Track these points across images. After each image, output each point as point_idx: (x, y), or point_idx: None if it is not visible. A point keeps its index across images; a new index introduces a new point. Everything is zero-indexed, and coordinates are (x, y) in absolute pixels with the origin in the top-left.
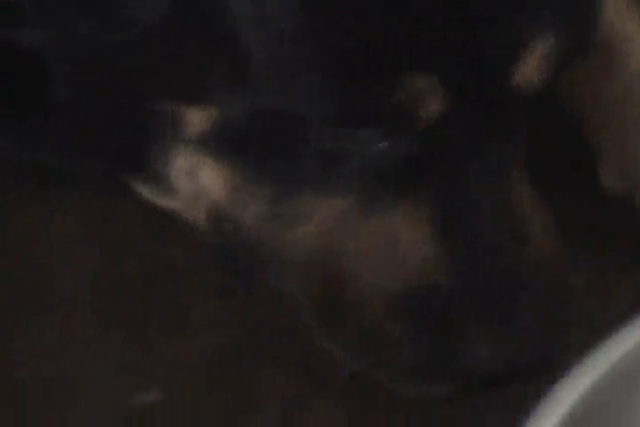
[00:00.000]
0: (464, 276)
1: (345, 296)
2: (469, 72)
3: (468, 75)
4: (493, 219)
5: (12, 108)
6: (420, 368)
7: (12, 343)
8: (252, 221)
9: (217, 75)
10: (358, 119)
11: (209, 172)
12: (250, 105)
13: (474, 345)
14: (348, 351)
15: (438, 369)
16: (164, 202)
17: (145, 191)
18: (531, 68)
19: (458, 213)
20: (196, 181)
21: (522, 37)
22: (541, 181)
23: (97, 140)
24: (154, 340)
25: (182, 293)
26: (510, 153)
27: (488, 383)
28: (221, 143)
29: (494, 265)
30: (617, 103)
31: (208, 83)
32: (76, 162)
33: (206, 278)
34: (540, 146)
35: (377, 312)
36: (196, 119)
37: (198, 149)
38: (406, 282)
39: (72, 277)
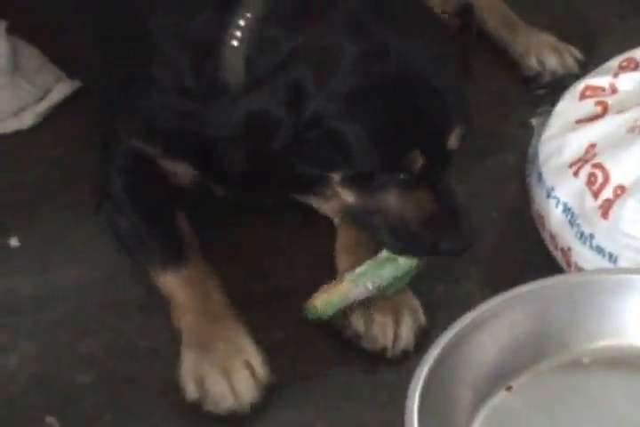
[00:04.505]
0: (436, 214)
1: (393, 224)
2: (431, 147)
3: (430, 148)
4: (447, 192)
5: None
6: (424, 249)
7: None
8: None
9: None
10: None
11: (344, 194)
12: (346, 175)
13: (444, 242)
14: (398, 244)
15: (430, 249)
16: (320, 207)
17: (312, 202)
18: (453, 141)
19: (436, 191)
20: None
21: (447, 132)
22: None
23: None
24: None
25: None
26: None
27: (448, 254)
28: (346, 186)
29: (447, 206)
30: None
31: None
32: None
33: None
34: None
35: (407, 229)
36: (335, 180)
37: (338, 186)
38: (415, 218)
39: None
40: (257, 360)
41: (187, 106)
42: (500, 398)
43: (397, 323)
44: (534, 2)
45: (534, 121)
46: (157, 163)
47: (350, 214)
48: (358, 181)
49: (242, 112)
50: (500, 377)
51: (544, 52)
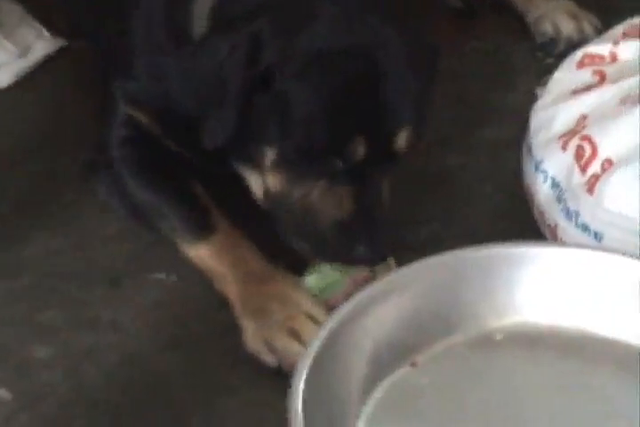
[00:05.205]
0: (355, 217)
1: (308, 223)
2: (376, 139)
3: (375, 140)
4: (374, 196)
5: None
6: (333, 254)
7: None
8: (282, 196)
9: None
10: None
11: (272, 178)
12: (284, 149)
13: (357, 249)
14: (307, 246)
15: (341, 254)
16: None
17: (247, 174)
18: (400, 141)
19: (363, 192)
20: (266, 181)
21: (396, 128)
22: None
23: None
24: None
25: None
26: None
27: (359, 261)
28: (278, 166)
29: (369, 210)
30: None
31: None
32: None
33: None
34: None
35: (320, 230)
36: (268, 157)
37: (268, 169)
38: (332, 218)
39: None
40: (314, 307)
41: (154, 63)
42: (401, 373)
43: None
44: None
45: (539, 90)
46: (150, 131)
47: (269, 206)
48: (291, 163)
49: (200, 64)
50: (405, 351)
51: (560, 17)
